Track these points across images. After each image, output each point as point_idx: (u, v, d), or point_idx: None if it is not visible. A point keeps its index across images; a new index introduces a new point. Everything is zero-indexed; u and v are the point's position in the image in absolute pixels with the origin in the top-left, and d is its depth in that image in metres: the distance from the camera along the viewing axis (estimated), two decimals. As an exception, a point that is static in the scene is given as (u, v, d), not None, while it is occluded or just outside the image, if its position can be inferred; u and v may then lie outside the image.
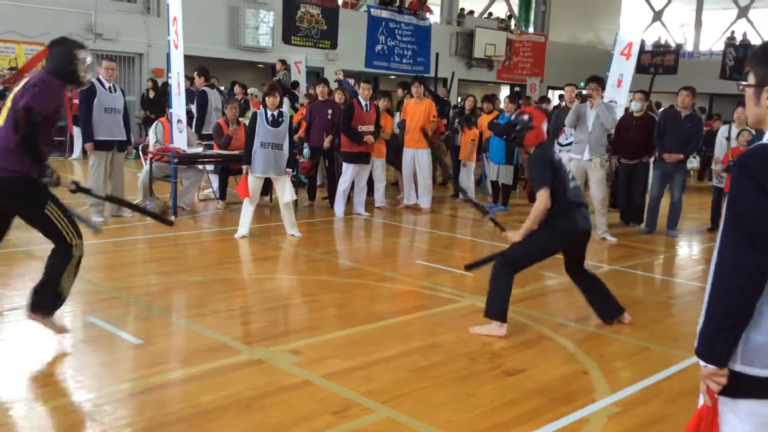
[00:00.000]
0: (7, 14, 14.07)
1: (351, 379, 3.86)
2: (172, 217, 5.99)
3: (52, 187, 4.04)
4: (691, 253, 8.33)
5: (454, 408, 3.58)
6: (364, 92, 9.06)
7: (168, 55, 8.46)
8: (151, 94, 14.94)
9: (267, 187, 8.48)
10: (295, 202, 8.16)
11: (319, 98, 9.76)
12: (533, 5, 25.99)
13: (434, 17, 22.89)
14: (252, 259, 6.90)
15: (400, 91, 11.71)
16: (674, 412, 3.67)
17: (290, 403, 3.54)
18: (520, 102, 10.93)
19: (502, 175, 10.10)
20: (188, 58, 13.19)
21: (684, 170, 8.72)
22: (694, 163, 8.61)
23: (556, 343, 4.67)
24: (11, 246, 6.70)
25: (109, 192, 7.69)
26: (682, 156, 8.41)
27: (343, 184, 9.08)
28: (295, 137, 9.76)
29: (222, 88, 15.03)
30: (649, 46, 23.59)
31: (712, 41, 28.04)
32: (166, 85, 9.71)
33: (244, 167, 7.43)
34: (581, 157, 8.04)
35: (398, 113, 10.93)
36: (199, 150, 8.93)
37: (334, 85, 12.06)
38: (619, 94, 10.28)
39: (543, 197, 4.52)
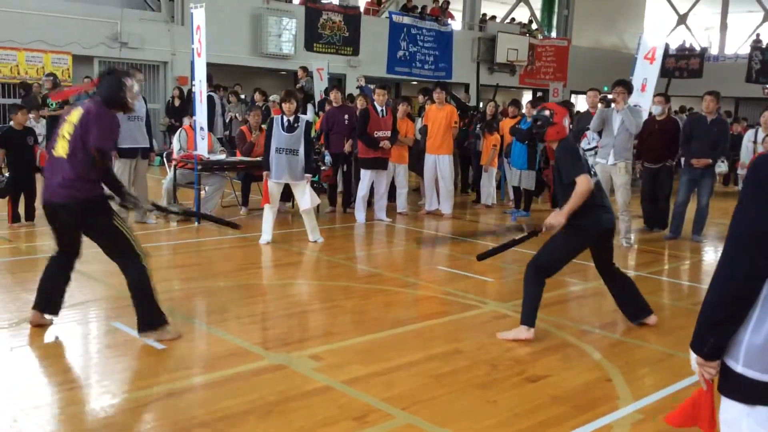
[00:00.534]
0: (34, 24, 14.34)
1: (372, 385, 3.86)
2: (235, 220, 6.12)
3: (131, 210, 4.30)
4: (716, 259, 8.20)
5: (475, 415, 3.56)
6: (379, 98, 9.08)
7: (192, 63, 8.55)
8: (177, 102, 15.12)
9: (288, 193, 8.53)
10: (317, 208, 8.19)
11: (334, 104, 9.80)
12: (556, 9, 25.87)
13: (456, 23, 22.89)
14: (274, 264, 6.94)
15: (420, 97, 11.71)
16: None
17: (311, 409, 3.55)
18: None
19: (524, 181, 10.06)
20: (212, 66, 13.33)
21: (712, 175, 8.61)
22: (722, 167, 8.49)
23: (580, 349, 4.63)
24: (38, 252, 6.82)
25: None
26: (710, 161, 8.31)
27: (361, 191, 9.11)
28: (318, 143, 9.84)
29: (243, 96, 15.16)
30: (673, 50, 23.40)
31: (738, 44, 27.72)
32: (191, 93, 9.84)
33: (264, 173, 7.51)
34: (606, 162, 7.97)
35: (420, 119, 10.94)
36: (222, 157, 9.01)
37: (356, 92, 12.11)
38: (644, 98, 10.20)
39: (586, 180, 4.47)
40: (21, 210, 7.93)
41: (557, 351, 4.57)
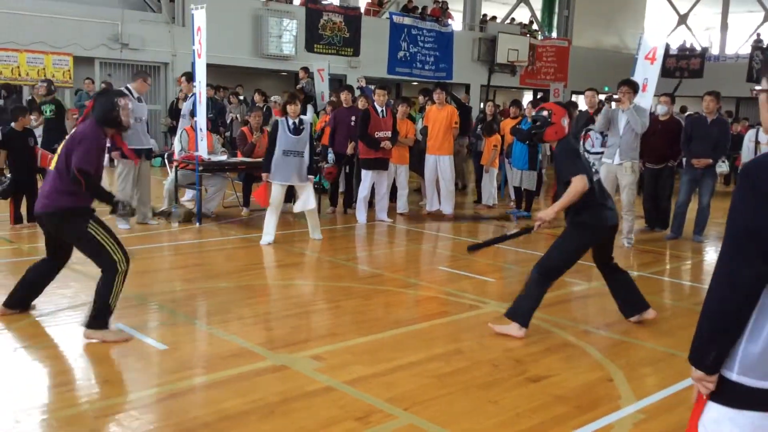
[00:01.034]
0: (35, 25, 14.35)
1: (373, 386, 3.87)
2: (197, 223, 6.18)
3: (127, 217, 4.42)
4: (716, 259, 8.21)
5: (476, 415, 3.57)
6: (379, 98, 9.09)
7: (193, 65, 8.56)
8: (180, 104, 15.11)
9: (290, 194, 8.56)
10: (319, 209, 8.24)
11: (344, 105, 9.81)
12: (556, 10, 25.89)
13: (456, 23, 22.90)
14: (275, 265, 6.95)
15: (421, 98, 11.72)
16: (701, 419, 3.62)
17: (313, 409, 3.55)
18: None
19: (525, 181, 10.06)
20: (213, 67, 13.33)
21: (713, 175, 8.61)
22: (723, 167, 8.48)
23: (581, 349, 4.63)
24: (40, 253, 6.82)
25: (135, 199, 7.83)
26: (711, 161, 8.32)
27: (362, 191, 9.12)
28: (319, 144, 9.86)
29: (242, 97, 15.17)
30: (674, 50, 23.41)
31: (739, 44, 27.72)
32: (192, 94, 9.82)
33: (263, 175, 7.53)
34: (612, 162, 7.96)
35: (420, 119, 10.95)
36: (224, 158, 9.02)
37: (357, 93, 12.10)
38: (644, 98, 10.17)
39: (581, 180, 4.47)
40: (23, 211, 7.93)
41: (559, 351, 4.57)
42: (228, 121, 14.49)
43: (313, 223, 7.83)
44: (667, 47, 19.16)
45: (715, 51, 27.52)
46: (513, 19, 25.88)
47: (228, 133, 13.80)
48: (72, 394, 3.69)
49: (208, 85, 12.19)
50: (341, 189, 10.28)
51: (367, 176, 9.07)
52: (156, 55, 16.08)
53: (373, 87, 11.83)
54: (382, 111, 9.05)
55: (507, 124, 10.81)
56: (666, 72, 19.78)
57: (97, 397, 3.66)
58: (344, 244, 8.08)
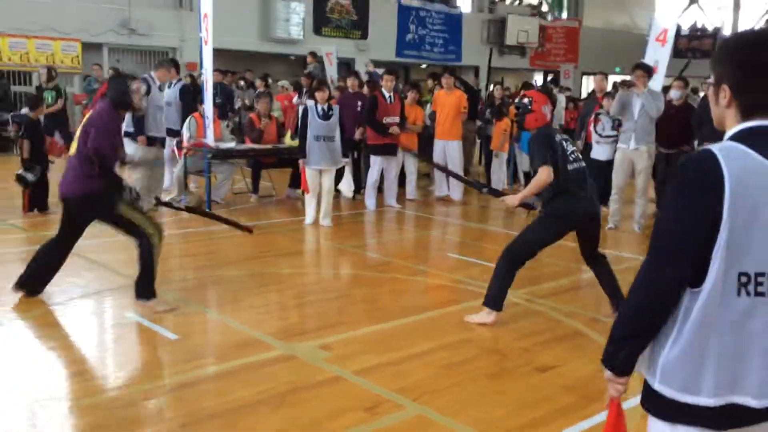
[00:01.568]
0: (43, 11, 14.35)
1: (382, 375, 3.90)
2: (250, 225, 6.33)
3: (132, 203, 4.70)
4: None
5: (484, 405, 3.59)
6: (387, 84, 9.07)
7: (201, 50, 8.55)
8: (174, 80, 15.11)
9: (298, 179, 8.59)
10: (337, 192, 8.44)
11: (350, 90, 9.78)
12: (566, -10, 25.64)
13: (465, 5, 22.72)
14: (285, 253, 6.97)
15: (430, 82, 11.68)
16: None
17: (322, 399, 3.59)
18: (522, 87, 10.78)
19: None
20: (220, 52, 13.30)
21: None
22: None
23: (590, 338, 4.64)
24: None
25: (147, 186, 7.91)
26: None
27: (371, 177, 9.12)
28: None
29: (242, 83, 15.15)
30: (685, 30, 23.16)
31: (751, 24, 27.34)
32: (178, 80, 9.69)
33: (300, 161, 7.73)
34: (627, 147, 7.90)
35: (429, 104, 10.91)
36: (232, 145, 9.03)
37: (366, 77, 12.07)
38: (655, 80, 10.09)
39: (544, 172, 4.53)
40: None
41: (567, 340, 4.58)
42: (237, 107, 14.49)
43: (326, 209, 7.90)
44: (678, 28, 18.96)
45: (727, 31, 27.18)
46: (522, 0, 25.64)
47: (236, 119, 13.80)
48: (84, 384, 3.74)
49: (216, 70, 12.20)
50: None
51: (375, 162, 9.07)
52: (164, 40, 16.06)
53: (381, 71, 11.80)
54: (390, 96, 9.03)
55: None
56: (677, 53, 19.55)
57: (109, 388, 3.71)
58: (353, 230, 8.10)
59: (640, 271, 1.71)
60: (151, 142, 8.06)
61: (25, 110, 8.43)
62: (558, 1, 25.83)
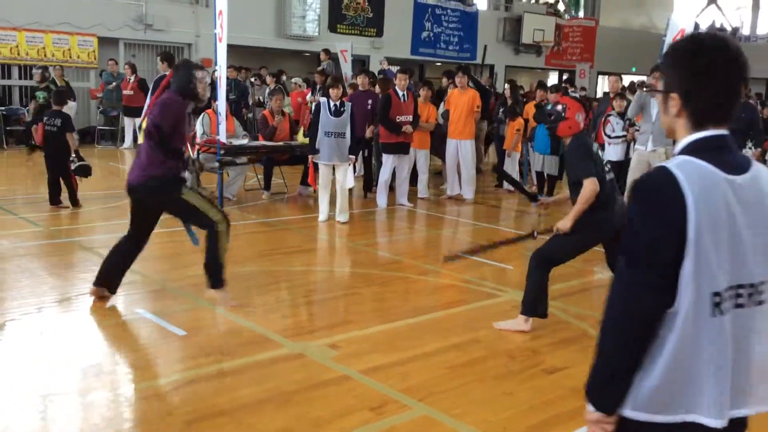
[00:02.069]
0: (59, 6, 14.44)
1: (389, 375, 3.89)
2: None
3: (197, 173, 4.97)
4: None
5: (491, 406, 3.58)
6: (400, 82, 9.07)
7: (215, 47, 8.57)
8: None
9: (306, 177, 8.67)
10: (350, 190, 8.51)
11: (360, 88, 9.77)
12: (583, -11, 25.46)
13: (481, 3, 22.63)
14: (295, 250, 6.97)
15: (444, 80, 11.63)
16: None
17: (328, 398, 3.59)
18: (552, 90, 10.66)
19: (547, 166, 9.97)
20: (235, 48, 13.33)
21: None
22: (748, 153, 8.34)
23: (598, 340, 4.60)
24: (65, 236, 6.94)
25: None
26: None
27: (383, 175, 9.12)
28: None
29: (253, 80, 15.19)
30: (703, 30, 22.91)
31: (771, 24, 27.06)
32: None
33: (309, 157, 7.85)
34: (645, 149, 7.82)
35: (442, 103, 10.87)
36: (245, 141, 9.05)
37: (380, 76, 12.03)
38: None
39: (591, 184, 4.40)
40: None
41: (576, 342, 4.56)
42: (251, 103, 14.53)
43: (343, 205, 7.97)
44: (696, 27, 18.78)
45: (746, 31, 26.91)
46: (539, -1, 25.50)
47: (251, 115, 13.84)
48: (92, 380, 3.75)
49: (230, 66, 12.24)
50: (360, 173, 10.28)
51: (387, 160, 9.06)
52: (180, 36, 16.11)
53: (395, 69, 11.78)
54: (404, 95, 9.01)
55: (531, 108, 10.68)
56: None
57: (117, 384, 3.73)
58: (364, 229, 8.09)
59: (612, 300, 1.61)
60: None
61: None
62: (575, 0, 25.65)
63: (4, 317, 4.57)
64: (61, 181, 8.03)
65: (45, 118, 8.05)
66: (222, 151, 8.37)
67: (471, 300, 5.42)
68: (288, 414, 3.42)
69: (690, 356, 1.58)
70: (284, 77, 14.99)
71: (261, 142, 9.18)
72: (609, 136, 8.99)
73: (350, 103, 7.97)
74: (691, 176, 1.55)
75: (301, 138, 9.42)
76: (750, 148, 8.18)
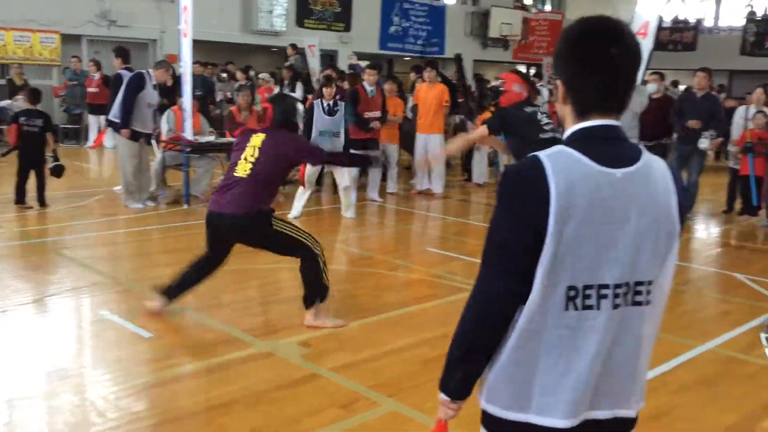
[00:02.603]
0: (22, 3, 14.13)
1: (359, 372, 3.88)
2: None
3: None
4: (705, 237, 8.24)
5: (461, 401, 3.58)
6: (369, 78, 9.05)
7: (180, 43, 8.47)
8: (169, 82, 14.99)
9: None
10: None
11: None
12: (549, -17, 25.64)
13: (449, -3, 22.68)
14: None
15: (412, 75, 11.63)
16: (681, 403, 3.66)
17: (299, 397, 3.57)
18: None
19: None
20: (202, 44, 13.18)
21: (702, 152, 8.60)
22: (705, 143, 8.42)
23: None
24: (32, 237, 6.80)
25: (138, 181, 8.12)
26: (700, 124, 8.25)
27: (352, 171, 9.09)
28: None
29: (224, 75, 15.04)
30: (667, 23, 23.23)
31: (732, 16, 27.51)
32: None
33: None
34: None
35: (411, 97, 10.87)
36: (212, 138, 8.96)
37: (349, 71, 12.00)
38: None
39: (483, 130, 5.30)
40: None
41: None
42: (219, 99, 14.38)
43: (346, 203, 8.12)
44: (661, 20, 19.02)
45: (708, 23, 27.32)
46: (506, -7, 25.61)
47: (218, 111, 13.70)
48: (58, 384, 3.68)
49: (196, 62, 12.07)
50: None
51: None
52: (144, 32, 15.87)
53: (364, 64, 11.75)
54: (372, 90, 8.99)
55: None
56: (659, 45, 19.62)
57: (83, 388, 3.67)
58: (333, 224, 8.06)
59: (474, 287, 1.59)
60: (137, 136, 8.08)
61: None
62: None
63: (-36, 322, 4.47)
64: (28, 182, 7.89)
65: (23, 118, 7.89)
66: (188, 148, 8.27)
67: (442, 294, 5.43)
68: (258, 414, 3.40)
69: (536, 350, 1.53)
70: (251, 73, 14.86)
71: (228, 138, 9.09)
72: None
73: (343, 103, 8.05)
74: (560, 166, 1.48)
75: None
76: (707, 138, 8.29)
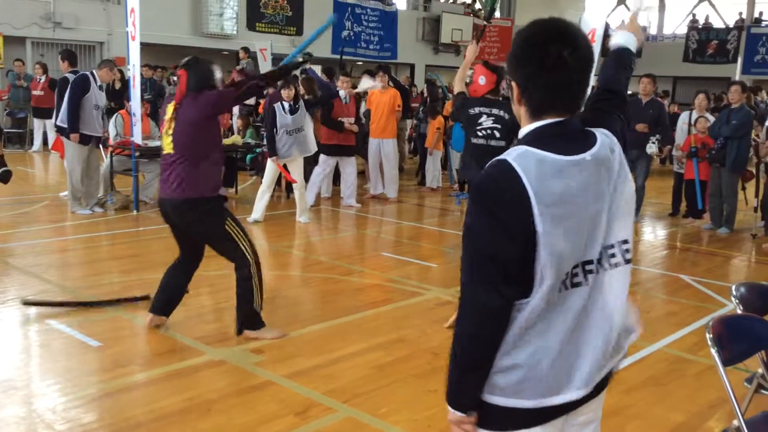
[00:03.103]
0: (-38, 3, 13.70)
1: (313, 378, 3.86)
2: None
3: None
4: (652, 239, 8.45)
5: (415, 405, 3.60)
6: (343, 85, 9.18)
7: (128, 46, 8.30)
8: (117, 85, 14.69)
9: (230, 178, 8.58)
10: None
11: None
12: (499, -11, 25.99)
13: (400, 2, 22.78)
14: (214, 254, 6.81)
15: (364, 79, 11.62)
16: (632, 402, 3.74)
17: (252, 405, 3.53)
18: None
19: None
20: (151, 47, 12.96)
21: (648, 156, 8.82)
22: (653, 148, 8.65)
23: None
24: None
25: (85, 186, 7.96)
26: (647, 128, 8.48)
27: (319, 175, 9.13)
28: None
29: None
30: (613, 30, 23.77)
31: (676, 24, 28.33)
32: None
33: (271, 158, 7.88)
34: None
35: (363, 102, 10.88)
36: (159, 143, 8.80)
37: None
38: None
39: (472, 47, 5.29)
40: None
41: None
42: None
43: (300, 207, 8.15)
44: (607, 27, 19.47)
45: (653, 31, 28.08)
46: (456, -1, 25.87)
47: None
48: (5, 394, 3.55)
49: (145, 65, 11.87)
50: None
51: (326, 162, 9.09)
52: (91, 34, 15.53)
53: (318, 69, 11.71)
54: (346, 97, 9.09)
55: (450, 107, 10.81)
56: (606, 52, 20.05)
57: (29, 399, 3.55)
58: (286, 230, 8.00)
59: (463, 301, 1.58)
60: (85, 140, 7.94)
61: None
62: (491, 0, 26.11)
63: None
64: None
65: None
66: (137, 153, 8.12)
67: (396, 299, 5.43)
68: (210, 423, 3.34)
69: (551, 335, 1.58)
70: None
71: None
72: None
73: (302, 101, 8.04)
74: (529, 166, 1.51)
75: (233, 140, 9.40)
76: (654, 143, 8.51)
